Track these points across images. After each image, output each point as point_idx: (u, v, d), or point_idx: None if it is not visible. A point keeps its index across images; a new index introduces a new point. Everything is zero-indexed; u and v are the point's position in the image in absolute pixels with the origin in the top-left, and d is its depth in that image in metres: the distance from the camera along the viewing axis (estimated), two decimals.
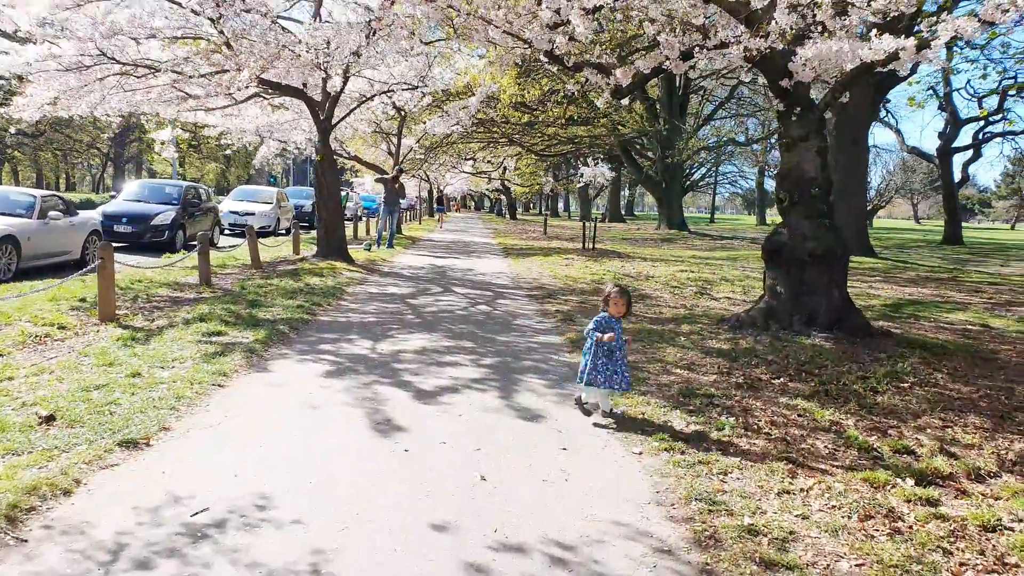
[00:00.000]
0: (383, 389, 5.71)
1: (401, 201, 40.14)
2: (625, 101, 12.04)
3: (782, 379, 6.28)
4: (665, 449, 4.52)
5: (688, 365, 6.76)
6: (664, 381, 6.18)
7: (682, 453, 4.46)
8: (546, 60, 9.71)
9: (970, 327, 9.41)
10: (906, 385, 6.06)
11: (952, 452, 4.53)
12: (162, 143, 16.92)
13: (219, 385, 5.57)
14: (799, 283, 8.21)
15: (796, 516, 3.64)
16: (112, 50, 11.03)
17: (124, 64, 11.46)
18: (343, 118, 15.48)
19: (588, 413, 5.29)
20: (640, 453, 4.50)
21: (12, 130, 48.32)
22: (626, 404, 5.45)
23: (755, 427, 4.98)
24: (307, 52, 10.42)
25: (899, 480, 4.06)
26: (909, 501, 3.81)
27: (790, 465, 4.31)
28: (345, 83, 13.76)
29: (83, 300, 8.77)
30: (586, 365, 5.22)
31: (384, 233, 19.65)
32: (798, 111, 7.98)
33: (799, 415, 5.28)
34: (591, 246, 20.96)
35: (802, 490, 3.95)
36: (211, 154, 66.11)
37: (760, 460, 4.39)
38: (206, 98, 14.67)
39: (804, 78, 7.31)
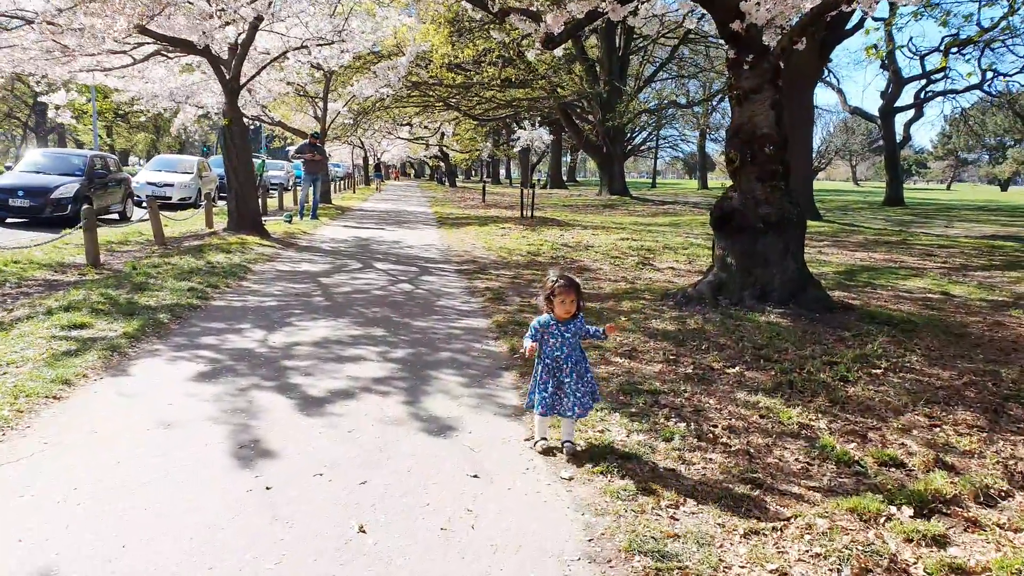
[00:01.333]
0: (261, 397, 4.67)
1: (334, 168, 38.43)
2: (559, 52, 11.00)
3: (737, 367, 5.44)
4: (601, 472, 3.61)
5: (630, 352, 5.88)
6: (603, 373, 5.28)
7: (623, 477, 3.56)
8: (470, 5, 8.61)
9: (931, 296, 8.77)
10: (879, 372, 5.28)
11: (949, 463, 3.73)
12: (56, 107, 15.19)
13: (54, 397, 4.44)
14: (751, 253, 7.40)
15: (771, 573, 2.77)
16: None
17: None
18: (252, 77, 14.07)
19: (549, 453, 3.88)
20: (570, 479, 3.58)
21: None
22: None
23: (710, 435, 4.11)
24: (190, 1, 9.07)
25: (893, 508, 3.23)
26: (911, 540, 2.98)
27: (756, 490, 3.44)
28: (251, 38, 12.36)
29: None
30: (532, 386, 3.99)
31: (307, 204, 18.31)
32: (750, 59, 7.08)
33: (761, 416, 4.44)
34: (529, 214, 19.99)
35: (775, 529, 3.09)
36: (139, 124, 62.76)
37: (719, 484, 3.51)
38: (102, 56, 13.15)
39: (758, 20, 6.40)
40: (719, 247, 7.72)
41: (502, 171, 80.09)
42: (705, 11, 8.87)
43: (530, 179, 55.15)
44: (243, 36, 12.60)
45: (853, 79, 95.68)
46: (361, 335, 6.36)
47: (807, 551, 2.91)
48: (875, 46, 14.11)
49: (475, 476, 3.60)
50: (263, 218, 16.30)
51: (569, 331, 3.85)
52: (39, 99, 15.95)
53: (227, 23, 9.60)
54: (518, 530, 3.07)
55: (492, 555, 2.88)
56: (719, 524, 3.13)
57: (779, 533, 3.06)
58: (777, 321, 6.74)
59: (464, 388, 4.98)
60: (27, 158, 17.93)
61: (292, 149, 40.89)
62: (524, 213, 20.47)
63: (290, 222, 16.58)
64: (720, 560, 2.85)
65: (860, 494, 3.37)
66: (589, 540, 3.00)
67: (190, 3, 10.00)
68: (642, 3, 7.80)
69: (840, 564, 2.80)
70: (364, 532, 3.01)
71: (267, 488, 3.38)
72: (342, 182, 39.81)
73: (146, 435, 3.96)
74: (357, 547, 2.90)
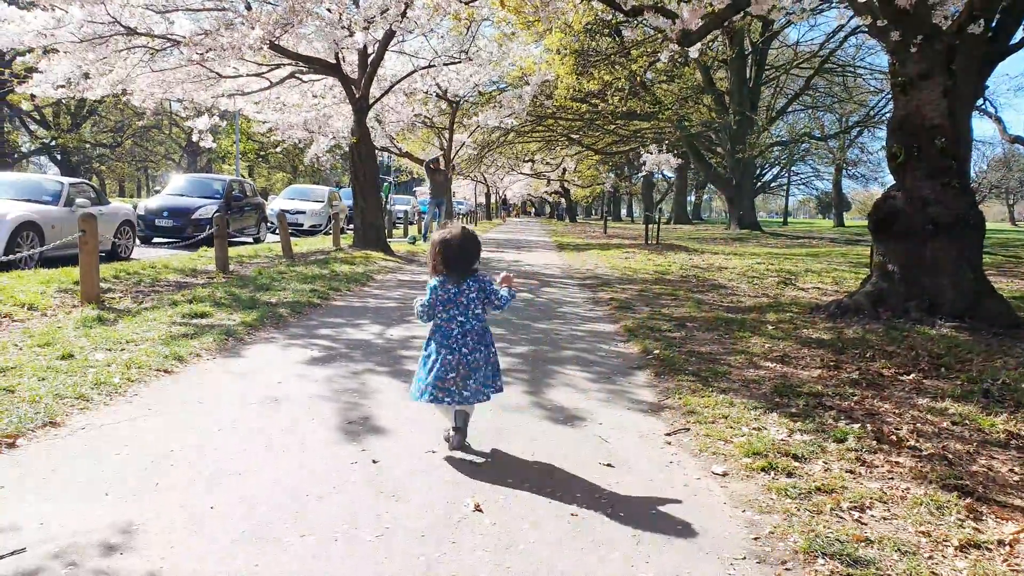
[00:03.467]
0: (374, 380, 4.34)
1: (457, 205, 39.10)
2: (695, 55, 10.45)
3: (913, 375, 4.65)
4: (762, 468, 3.00)
5: (781, 357, 5.18)
6: (751, 376, 4.63)
7: (789, 475, 2.94)
8: (601, 5, 8.27)
9: None
10: None
11: None
12: (199, 132, 16.03)
13: (166, 371, 4.28)
14: (918, 259, 6.51)
15: None
16: (124, 16, 10.07)
17: (139, 34, 10.50)
18: (381, 96, 14.30)
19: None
20: (724, 474, 2.99)
21: (92, 142, 49.90)
22: (698, 402, 3.94)
23: (893, 437, 3.40)
24: (328, 9, 9.23)
25: None
26: None
27: (966, 499, 2.74)
28: (380, 55, 12.56)
29: (77, 283, 7.70)
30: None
31: (431, 229, 18.40)
32: (918, 40, 6.30)
33: (954, 423, 3.67)
34: (655, 241, 19.27)
35: (1000, 542, 2.39)
36: (278, 164, 66.85)
37: (912, 489, 2.83)
38: (242, 80, 13.80)
39: None
40: (879, 253, 6.87)
41: (623, 209, 79.30)
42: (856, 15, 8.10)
43: (654, 214, 54.21)
44: (372, 56, 12.83)
45: (1013, 106, 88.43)
46: None
47: None
48: None
49: (608, 465, 3.07)
50: (390, 241, 16.53)
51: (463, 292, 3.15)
52: (186, 123, 16.81)
53: (356, 31, 9.70)
54: (665, 524, 2.52)
55: (634, 547, 2.34)
56: (922, 532, 2.46)
57: (1008, 549, 2.36)
58: (953, 334, 5.83)
59: (592, 383, 4.46)
60: (172, 182, 19.06)
61: (423, 190, 41.98)
62: (649, 240, 19.76)
63: (414, 243, 16.68)
64: (933, 573, 2.19)
65: None
66: (755, 539, 2.41)
67: (321, 15, 10.22)
68: None
69: None
70: (480, 511, 2.55)
71: (374, 461, 2.99)
72: (465, 218, 40.43)
73: (251, 408, 3.69)
74: (471, 526, 2.44)
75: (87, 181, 13.36)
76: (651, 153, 20.87)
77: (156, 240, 16.20)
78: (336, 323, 6.24)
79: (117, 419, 3.41)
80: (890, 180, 7.12)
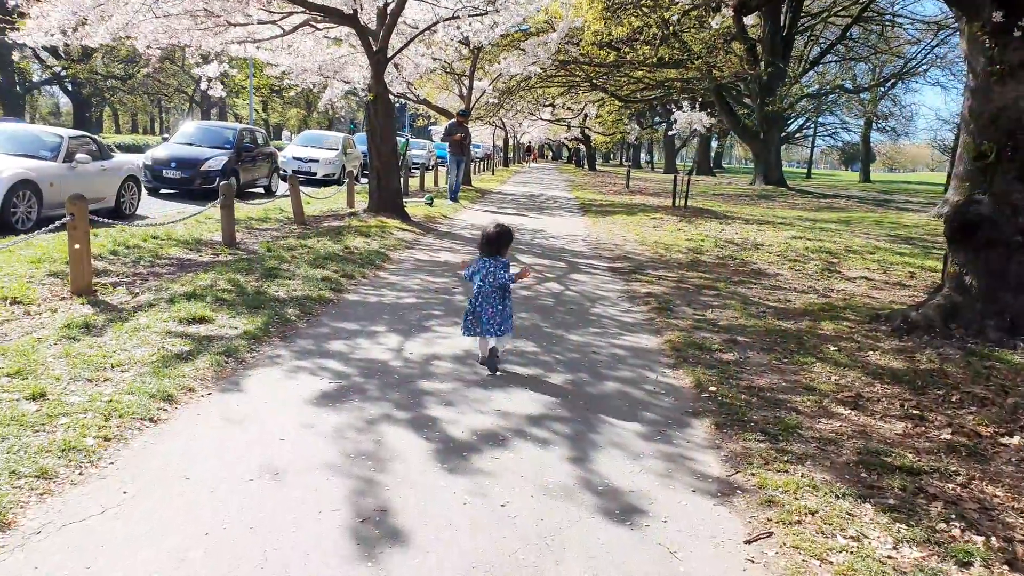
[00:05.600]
0: (392, 433, 3.73)
1: (473, 149, 37.99)
2: (716, 25, 9.51)
3: (1016, 437, 4.00)
4: None
5: (853, 399, 4.53)
6: (826, 430, 4.00)
7: None
8: None
9: None
10: None
11: None
12: (209, 80, 15.17)
13: (151, 420, 3.69)
14: (1001, 273, 5.79)
15: None
16: None
17: None
18: (400, 50, 13.38)
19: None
20: None
21: (102, 73, 48.77)
22: (775, 481, 3.32)
23: (1022, 561, 2.78)
24: None
25: None
26: None
27: None
28: (400, 6, 11.63)
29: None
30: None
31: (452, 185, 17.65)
32: None
33: None
34: (683, 203, 18.41)
35: None
36: (292, 100, 65.41)
37: None
38: (253, 27, 12.91)
39: None
40: (955, 263, 6.13)
41: (643, 155, 77.63)
42: None
43: (675, 164, 52.81)
44: (392, 5, 11.90)
45: None
46: (508, 348, 5.35)
47: None
48: None
49: None
50: (404, 199, 15.80)
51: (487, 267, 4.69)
52: (193, 72, 15.93)
53: None
54: None
55: None
56: None
57: None
58: None
59: (644, 441, 3.84)
60: (181, 130, 18.28)
61: (438, 129, 40.72)
62: (676, 202, 18.92)
63: (431, 204, 15.94)
64: None
65: None
66: None
67: None
68: None
69: None
70: None
71: None
72: (481, 163, 39.36)
73: (248, 488, 3.09)
74: None
75: (88, 134, 12.63)
76: (683, 111, 19.79)
77: (164, 192, 15.56)
78: (349, 330, 5.62)
79: (83, 512, 2.82)
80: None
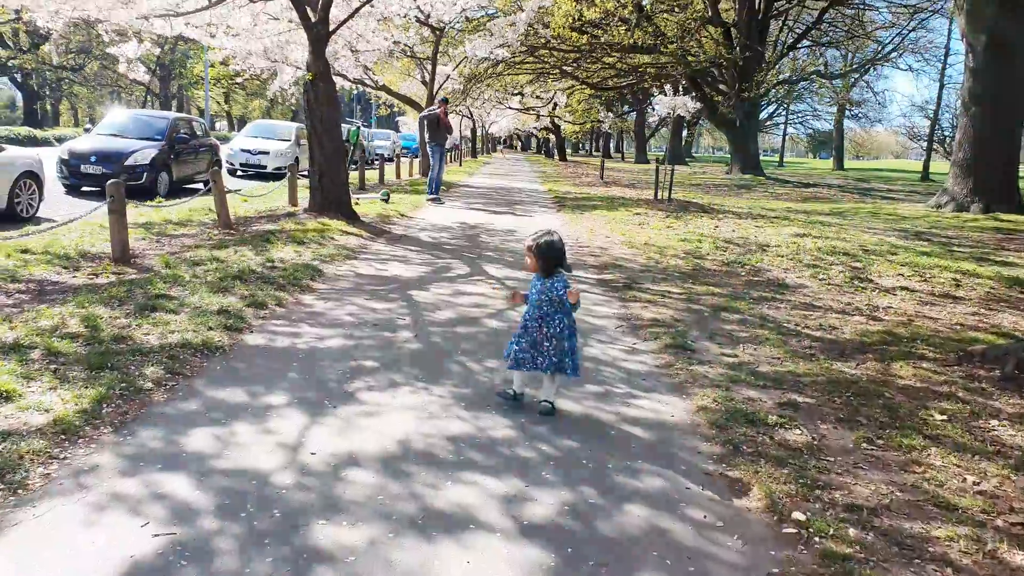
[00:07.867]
0: None
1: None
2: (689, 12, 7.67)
3: None
4: None
5: (1013, 537, 2.80)
6: None
7: None
8: None
9: None
10: None
11: None
12: (129, 61, 13.06)
13: None
14: None
15: None
16: None
17: None
18: (344, 21, 11.44)
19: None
20: None
21: (50, 64, 45.58)
22: None
23: None
24: None
25: None
26: None
27: None
28: None
29: None
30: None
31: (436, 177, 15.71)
32: None
33: None
34: (666, 196, 16.67)
35: None
36: (257, 91, 62.38)
37: None
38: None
39: None
40: None
41: (611, 144, 75.94)
42: None
43: (645, 154, 51.11)
44: None
45: None
46: (471, 437, 3.52)
47: None
48: None
49: None
50: (358, 196, 13.85)
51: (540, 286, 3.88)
52: (107, 50, 13.81)
53: None
54: None
55: None
56: None
57: None
58: None
59: None
60: (107, 119, 16.09)
61: (405, 120, 38.25)
62: (659, 195, 17.17)
63: (387, 200, 14.02)
64: None
65: None
66: None
67: None
68: None
69: None
70: None
71: None
72: (450, 154, 37.39)
73: None
74: None
75: None
76: (666, 95, 18.05)
77: (85, 189, 13.42)
78: (230, 405, 3.75)
79: None
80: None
